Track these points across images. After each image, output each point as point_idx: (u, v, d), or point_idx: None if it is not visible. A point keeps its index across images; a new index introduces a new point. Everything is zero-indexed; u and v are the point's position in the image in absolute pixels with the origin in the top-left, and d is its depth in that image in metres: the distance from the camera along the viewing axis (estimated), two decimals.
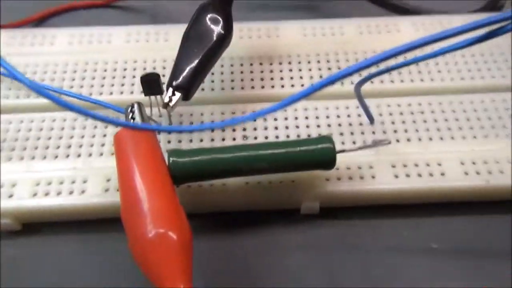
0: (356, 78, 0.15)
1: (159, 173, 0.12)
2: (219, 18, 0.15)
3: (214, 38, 0.15)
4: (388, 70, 0.13)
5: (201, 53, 0.14)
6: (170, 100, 0.14)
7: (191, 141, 0.15)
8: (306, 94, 0.11)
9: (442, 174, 0.14)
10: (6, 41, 0.18)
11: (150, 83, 0.14)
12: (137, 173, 0.12)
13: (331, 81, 0.11)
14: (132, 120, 0.13)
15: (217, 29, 0.15)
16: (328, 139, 0.13)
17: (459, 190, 0.14)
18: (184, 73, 0.14)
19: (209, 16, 0.15)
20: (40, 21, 0.21)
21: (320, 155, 0.13)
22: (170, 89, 0.14)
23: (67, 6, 0.21)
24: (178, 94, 0.14)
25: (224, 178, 0.13)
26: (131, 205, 0.11)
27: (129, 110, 0.14)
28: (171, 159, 0.13)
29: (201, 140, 0.15)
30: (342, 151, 0.13)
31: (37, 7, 0.21)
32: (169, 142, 0.15)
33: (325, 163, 0.13)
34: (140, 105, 0.14)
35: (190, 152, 0.13)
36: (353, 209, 0.15)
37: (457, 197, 0.14)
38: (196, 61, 0.14)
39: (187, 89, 0.14)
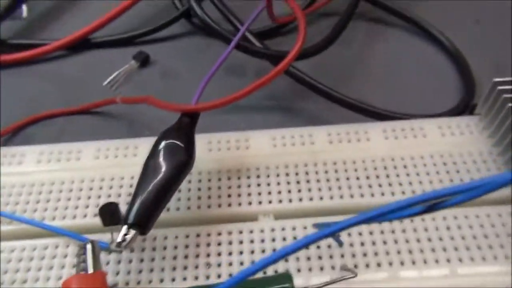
0: None
1: None
2: (180, 144, 0.15)
3: (172, 168, 0.14)
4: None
5: (157, 185, 0.14)
6: (124, 239, 0.13)
7: (151, 270, 0.15)
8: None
9: None
10: None
11: (109, 213, 0.14)
12: None
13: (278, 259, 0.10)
14: (82, 263, 0.13)
15: (176, 157, 0.15)
16: (288, 277, 0.13)
17: None
18: (140, 209, 0.13)
19: (168, 143, 0.15)
20: (14, 133, 0.21)
21: None
22: (125, 227, 0.13)
23: (43, 115, 0.22)
24: (133, 232, 0.13)
25: None
26: None
27: (80, 253, 0.13)
28: None
29: (162, 270, 0.15)
30: None
31: (15, 115, 0.21)
32: (128, 272, 0.15)
33: None
34: (93, 245, 0.13)
35: None
36: None
37: None
38: (151, 195, 0.14)
39: (143, 226, 0.13)
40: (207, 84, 0.17)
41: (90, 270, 0.13)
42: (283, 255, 0.10)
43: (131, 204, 0.14)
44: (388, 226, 0.15)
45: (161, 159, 0.15)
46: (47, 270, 0.15)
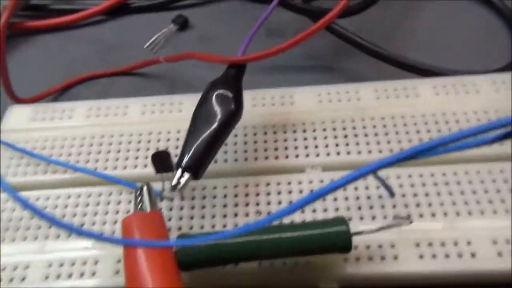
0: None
1: (165, 265, 0.12)
2: (229, 94, 0.15)
3: (223, 116, 0.14)
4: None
5: (210, 132, 0.14)
6: (179, 182, 0.13)
7: (203, 217, 0.15)
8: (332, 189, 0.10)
9: (473, 254, 0.13)
10: (27, 115, 0.18)
11: (161, 161, 0.14)
12: (142, 263, 0.11)
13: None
14: (140, 204, 0.13)
15: (226, 106, 0.15)
16: (342, 221, 0.13)
17: (492, 274, 0.13)
18: (193, 154, 0.14)
19: (218, 93, 0.15)
20: (61, 92, 0.22)
21: (334, 240, 0.12)
22: (179, 170, 0.13)
23: (86, 76, 0.22)
24: (187, 175, 0.13)
25: (232, 263, 0.13)
26: None
27: (137, 193, 0.13)
28: (178, 247, 0.12)
29: (213, 216, 0.15)
30: (359, 233, 0.13)
31: (57, 78, 0.22)
32: (180, 218, 0.15)
33: (340, 248, 0.12)
34: (149, 187, 0.14)
35: (198, 238, 0.13)
36: None
37: (490, 281, 0.13)
38: (204, 141, 0.14)
39: (196, 170, 0.14)
40: (251, 38, 0.17)
41: (148, 210, 0.13)
42: (334, 187, 0.10)
43: (183, 150, 0.14)
44: (441, 178, 0.15)
45: (211, 107, 0.15)
46: (103, 215, 0.15)
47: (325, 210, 0.15)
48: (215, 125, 0.14)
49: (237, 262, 0.12)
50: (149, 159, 0.16)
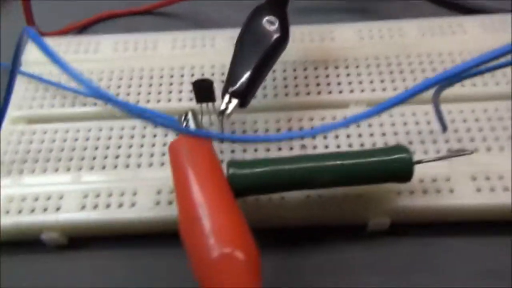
0: None
1: (219, 186, 0.11)
2: (275, 20, 0.14)
3: (271, 42, 0.14)
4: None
5: (258, 57, 0.13)
6: (227, 107, 0.12)
7: (244, 151, 0.14)
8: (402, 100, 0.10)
9: None
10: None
11: (203, 90, 0.13)
12: (196, 186, 0.11)
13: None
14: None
15: (273, 31, 0.14)
16: (403, 148, 0.12)
17: None
18: (241, 79, 0.13)
19: (264, 18, 0.14)
20: (82, 29, 0.20)
21: (395, 167, 0.12)
22: (227, 96, 0.13)
23: (108, 14, 0.21)
24: (234, 101, 0.13)
25: (287, 191, 0.12)
26: (191, 222, 0.10)
27: (183, 119, 0.13)
28: (230, 170, 0.12)
29: (256, 150, 0.14)
30: (420, 161, 0.12)
31: (77, 15, 0.21)
32: (221, 152, 0.14)
33: (401, 176, 0.12)
34: (194, 113, 0.13)
35: (250, 163, 0.12)
36: (428, 226, 0.13)
37: None
38: (252, 66, 0.13)
39: (244, 96, 0.13)
40: None
41: None
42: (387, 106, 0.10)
43: (229, 76, 0.13)
44: (495, 113, 0.14)
45: (257, 33, 0.14)
46: (138, 147, 0.14)
47: (374, 144, 0.14)
48: (263, 50, 0.13)
49: (289, 189, 0.12)
50: (183, 94, 0.16)
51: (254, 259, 0.10)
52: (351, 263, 0.13)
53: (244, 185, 0.11)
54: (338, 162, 0.11)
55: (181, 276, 0.12)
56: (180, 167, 0.11)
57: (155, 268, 0.13)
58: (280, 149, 0.14)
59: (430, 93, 0.12)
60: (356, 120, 0.10)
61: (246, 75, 0.13)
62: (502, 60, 0.10)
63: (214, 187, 0.11)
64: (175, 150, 0.12)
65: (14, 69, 0.13)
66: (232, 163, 0.12)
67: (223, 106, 0.13)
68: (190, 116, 0.13)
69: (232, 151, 0.14)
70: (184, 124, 0.12)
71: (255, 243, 0.10)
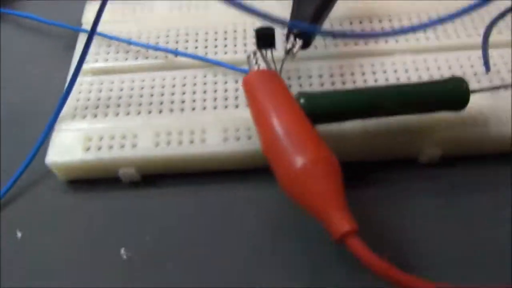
0: None
1: (295, 110, 0.12)
2: None
3: None
4: None
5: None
6: (293, 46, 0.14)
7: (310, 85, 0.15)
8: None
9: None
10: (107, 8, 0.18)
11: (265, 37, 0.14)
12: (275, 111, 0.12)
13: None
14: (257, 67, 0.13)
15: None
16: (459, 78, 0.13)
17: None
18: (304, 19, 0.14)
19: None
20: None
21: (454, 93, 0.13)
22: (292, 36, 0.14)
23: None
24: (299, 41, 0.14)
25: (354, 118, 0.13)
26: (277, 139, 0.11)
27: (252, 57, 0.14)
28: (302, 99, 0.13)
29: (322, 85, 0.15)
30: (473, 91, 0.13)
31: None
32: (290, 86, 0.15)
33: (458, 102, 0.13)
34: (261, 51, 0.14)
35: (318, 93, 0.13)
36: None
37: None
38: (314, 9, 0.14)
39: (307, 36, 0.14)
40: None
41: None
42: None
43: (293, 15, 0.14)
44: None
45: None
46: (202, 93, 0.16)
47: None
48: None
49: (360, 114, 0.13)
50: (238, 47, 0.17)
51: (336, 167, 0.11)
52: (405, 193, 0.14)
53: (315, 112, 0.12)
54: (401, 88, 0.13)
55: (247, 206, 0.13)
56: (257, 96, 0.12)
57: (221, 204, 0.14)
58: (344, 83, 0.15)
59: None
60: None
61: (309, 16, 0.14)
62: None
63: (291, 111, 0.12)
64: (250, 82, 0.13)
65: (94, 28, 0.14)
66: (302, 93, 0.13)
67: (289, 46, 0.14)
68: (258, 53, 0.14)
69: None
70: (255, 61, 0.13)
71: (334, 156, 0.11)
